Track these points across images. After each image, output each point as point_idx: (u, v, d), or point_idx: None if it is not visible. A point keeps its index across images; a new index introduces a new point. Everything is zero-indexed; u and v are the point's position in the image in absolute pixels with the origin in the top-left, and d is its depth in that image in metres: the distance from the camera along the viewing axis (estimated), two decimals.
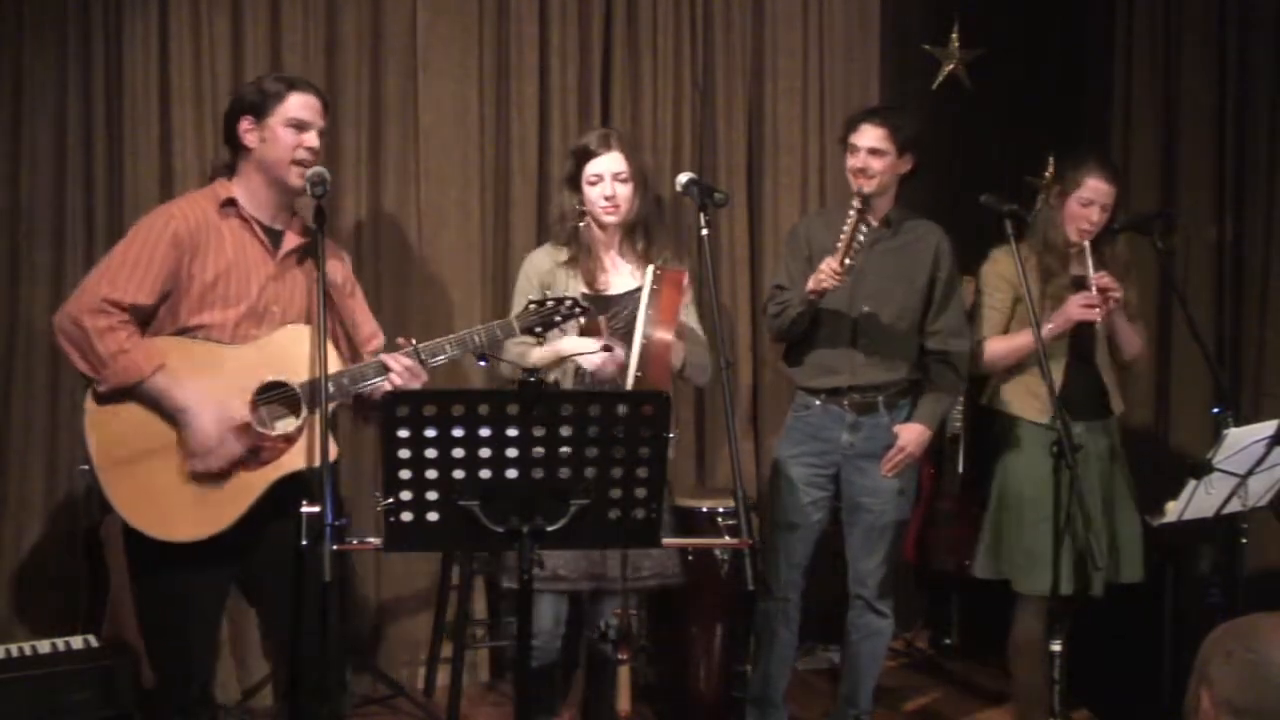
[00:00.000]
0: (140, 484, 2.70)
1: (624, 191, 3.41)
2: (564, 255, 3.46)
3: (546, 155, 4.48)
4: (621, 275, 3.46)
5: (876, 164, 3.55)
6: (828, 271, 3.36)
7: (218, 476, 2.72)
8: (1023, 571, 3.60)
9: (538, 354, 3.31)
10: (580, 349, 3.26)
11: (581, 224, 3.44)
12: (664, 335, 3.20)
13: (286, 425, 2.77)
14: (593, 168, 3.39)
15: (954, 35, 5.19)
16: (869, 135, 3.56)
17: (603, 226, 3.45)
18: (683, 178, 3.26)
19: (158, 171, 4.00)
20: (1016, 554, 3.62)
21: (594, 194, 3.40)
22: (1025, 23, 5.27)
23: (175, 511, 2.69)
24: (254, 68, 4.05)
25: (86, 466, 2.76)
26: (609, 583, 3.33)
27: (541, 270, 3.45)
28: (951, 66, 5.20)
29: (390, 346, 2.92)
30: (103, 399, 2.71)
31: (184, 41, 4.00)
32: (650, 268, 3.30)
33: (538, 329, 2.94)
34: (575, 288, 3.38)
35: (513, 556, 2.89)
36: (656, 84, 4.61)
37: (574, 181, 3.45)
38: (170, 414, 2.70)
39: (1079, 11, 5.16)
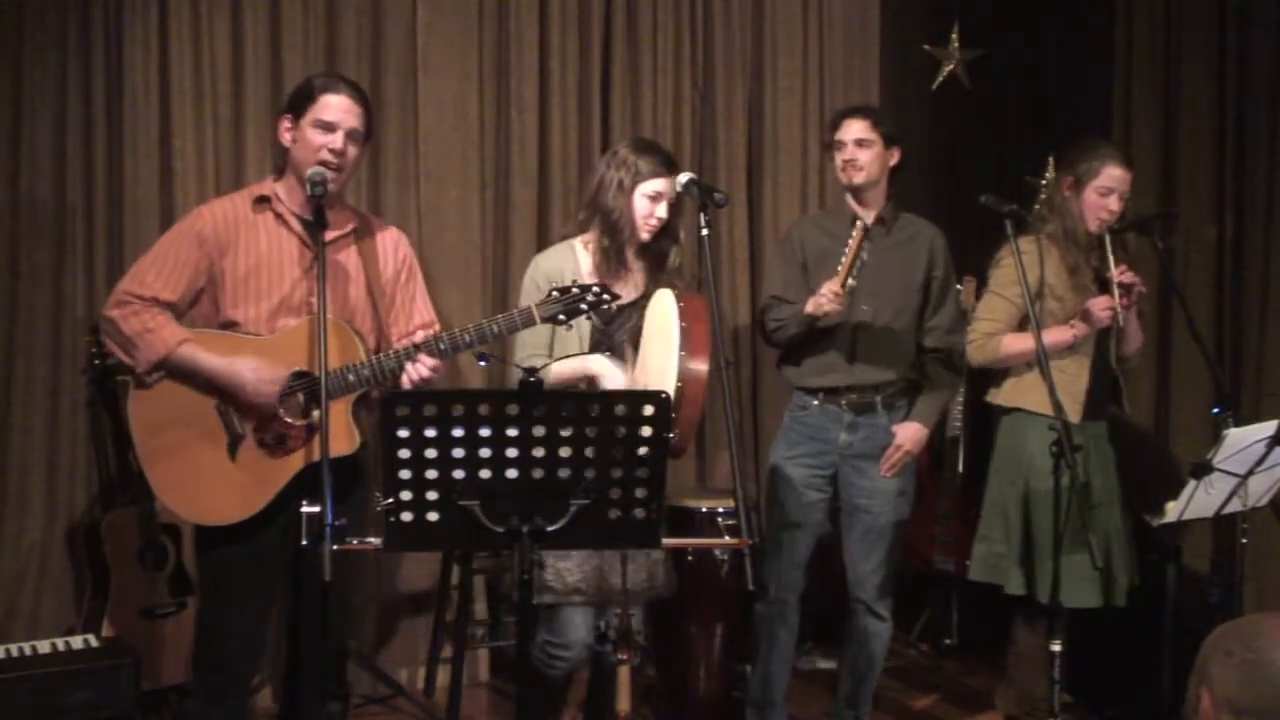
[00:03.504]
0: (176, 469, 2.81)
1: (667, 216, 3.31)
2: (588, 254, 3.31)
3: (546, 156, 4.48)
4: (629, 287, 3.33)
5: (863, 155, 3.57)
6: (828, 295, 3.36)
7: (253, 462, 2.80)
8: (1039, 578, 3.58)
9: (559, 368, 3.18)
10: (609, 372, 3.13)
11: (627, 231, 3.27)
12: (700, 368, 2.92)
13: (312, 415, 2.82)
14: (656, 185, 3.25)
15: (954, 35, 5.19)
16: (853, 128, 3.60)
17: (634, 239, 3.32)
18: (683, 178, 3.25)
19: (158, 171, 4.00)
20: (1041, 563, 3.59)
21: (645, 207, 3.25)
22: (1025, 23, 5.27)
23: (208, 496, 2.81)
24: (254, 68, 4.06)
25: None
26: (616, 594, 3.29)
27: (551, 273, 3.27)
28: (951, 66, 5.20)
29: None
30: (142, 384, 2.83)
31: (184, 41, 4.01)
32: (671, 301, 3.02)
33: (560, 317, 2.86)
34: None
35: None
36: (656, 84, 4.61)
37: (629, 190, 3.27)
38: (208, 380, 2.80)
39: (1079, 11, 5.16)
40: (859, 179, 3.58)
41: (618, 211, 3.24)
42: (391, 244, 3.07)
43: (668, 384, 2.88)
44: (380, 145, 4.28)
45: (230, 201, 2.96)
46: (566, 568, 3.15)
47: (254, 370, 2.78)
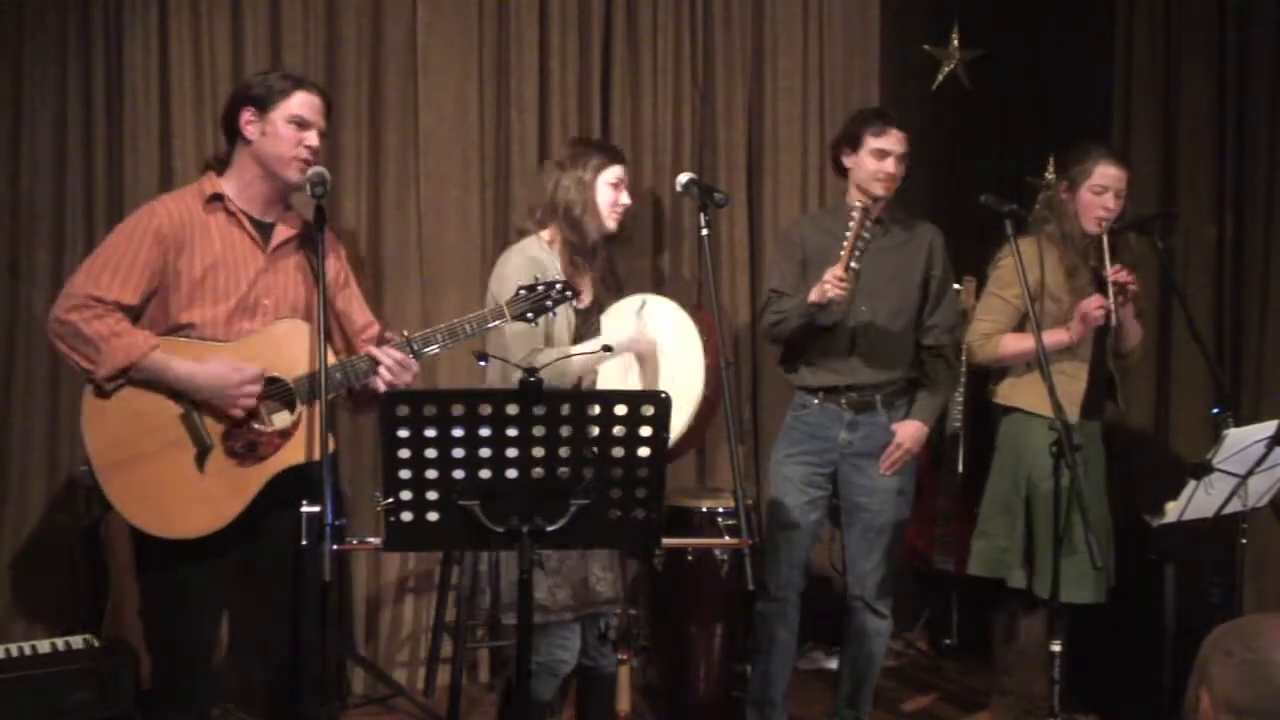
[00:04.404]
0: (140, 482, 2.68)
1: (630, 202, 3.34)
2: (555, 252, 3.30)
3: (546, 155, 4.47)
4: (586, 292, 3.34)
5: (900, 170, 3.59)
6: (833, 280, 3.35)
7: (222, 472, 2.70)
8: (1039, 575, 3.58)
9: (581, 359, 3.15)
10: (623, 343, 3.15)
11: (592, 224, 3.27)
12: (714, 384, 2.99)
13: (282, 420, 2.75)
14: (616, 171, 3.29)
15: (954, 35, 5.19)
16: (897, 139, 3.58)
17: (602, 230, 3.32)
18: (683, 178, 3.25)
19: (158, 171, 4.00)
20: (1035, 557, 3.59)
21: (610, 195, 3.28)
22: (1025, 23, 5.27)
23: (176, 509, 2.68)
24: (254, 68, 4.05)
25: (86, 467, 2.75)
26: (600, 603, 3.27)
27: (536, 263, 3.24)
28: (951, 66, 5.20)
29: (382, 340, 2.90)
30: (102, 393, 2.68)
31: (184, 41, 4.01)
32: (680, 314, 3.07)
33: (529, 315, 2.86)
34: None
35: (510, 593, 2.86)
36: (656, 84, 4.61)
37: (591, 184, 3.29)
38: (174, 388, 2.67)
39: (1079, 11, 5.16)
40: (887, 191, 3.58)
41: (580, 205, 3.26)
42: (332, 247, 2.99)
43: (691, 399, 2.89)
44: (380, 145, 4.28)
45: (181, 198, 2.83)
46: (556, 584, 3.14)
47: (231, 373, 2.68)
